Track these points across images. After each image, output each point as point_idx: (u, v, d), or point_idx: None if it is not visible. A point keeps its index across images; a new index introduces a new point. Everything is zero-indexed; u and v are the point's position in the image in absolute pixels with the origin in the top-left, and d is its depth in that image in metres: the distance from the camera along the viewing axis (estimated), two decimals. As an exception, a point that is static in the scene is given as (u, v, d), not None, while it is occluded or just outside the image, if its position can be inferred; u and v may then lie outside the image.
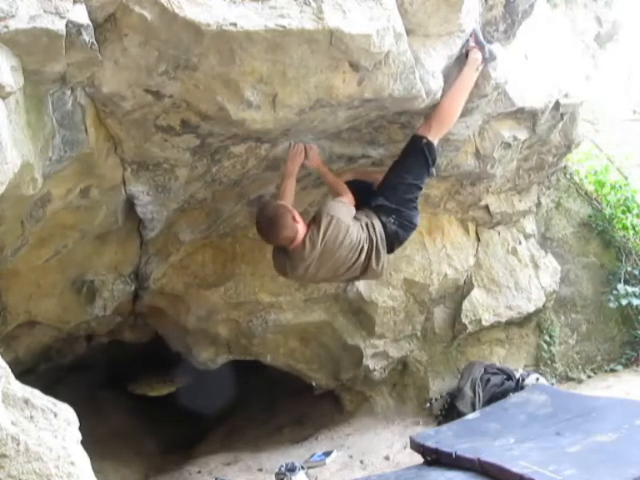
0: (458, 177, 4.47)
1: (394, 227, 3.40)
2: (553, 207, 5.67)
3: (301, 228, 3.22)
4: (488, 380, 4.85)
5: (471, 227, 5.15)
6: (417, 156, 3.42)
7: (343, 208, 3.31)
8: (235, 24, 2.44)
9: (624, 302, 5.42)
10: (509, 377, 4.89)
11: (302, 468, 4.25)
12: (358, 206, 3.45)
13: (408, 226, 3.46)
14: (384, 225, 3.37)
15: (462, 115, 3.64)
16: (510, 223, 5.28)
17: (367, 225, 3.34)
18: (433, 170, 3.52)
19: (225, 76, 2.64)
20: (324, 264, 3.31)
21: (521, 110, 3.97)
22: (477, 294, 5.12)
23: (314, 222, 3.25)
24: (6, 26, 2.04)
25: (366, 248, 3.33)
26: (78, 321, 4.33)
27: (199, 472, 4.89)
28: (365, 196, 3.49)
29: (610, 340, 5.61)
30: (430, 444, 3.87)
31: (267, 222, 3.23)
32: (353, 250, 3.28)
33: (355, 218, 3.34)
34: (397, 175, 3.44)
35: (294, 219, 3.19)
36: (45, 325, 4.23)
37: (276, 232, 3.23)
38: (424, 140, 3.40)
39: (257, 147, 3.38)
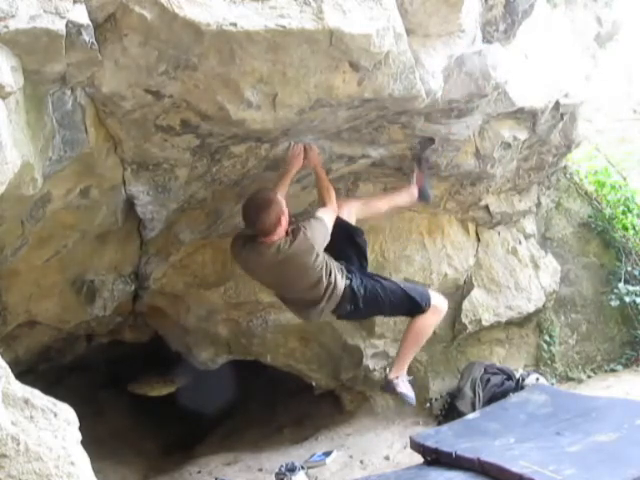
0: (458, 177, 4.47)
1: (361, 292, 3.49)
2: (553, 207, 5.67)
3: (280, 230, 3.22)
4: (488, 380, 4.85)
5: (471, 227, 5.15)
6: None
7: (322, 232, 3.30)
8: (235, 24, 2.44)
9: (627, 299, 5.42)
10: (509, 377, 4.90)
11: (302, 468, 4.25)
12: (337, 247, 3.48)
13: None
14: (352, 289, 3.43)
15: (462, 115, 3.65)
16: (510, 223, 5.27)
17: (331, 282, 3.35)
18: None
19: (225, 76, 2.64)
20: (276, 272, 3.34)
21: (521, 110, 3.97)
22: (477, 294, 5.12)
23: (292, 232, 3.25)
24: (6, 26, 2.04)
25: (322, 291, 3.35)
26: (78, 321, 4.33)
27: (199, 472, 4.90)
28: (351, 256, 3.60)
29: (610, 340, 5.61)
30: (430, 444, 3.87)
31: (255, 205, 3.24)
32: (307, 277, 3.30)
33: (330, 257, 3.38)
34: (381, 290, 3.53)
35: (280, 218, 3.19)
36: (45, 325, 4.22)
37: (259, 217, 3.20)
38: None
39: (257, 147, 3.38)
